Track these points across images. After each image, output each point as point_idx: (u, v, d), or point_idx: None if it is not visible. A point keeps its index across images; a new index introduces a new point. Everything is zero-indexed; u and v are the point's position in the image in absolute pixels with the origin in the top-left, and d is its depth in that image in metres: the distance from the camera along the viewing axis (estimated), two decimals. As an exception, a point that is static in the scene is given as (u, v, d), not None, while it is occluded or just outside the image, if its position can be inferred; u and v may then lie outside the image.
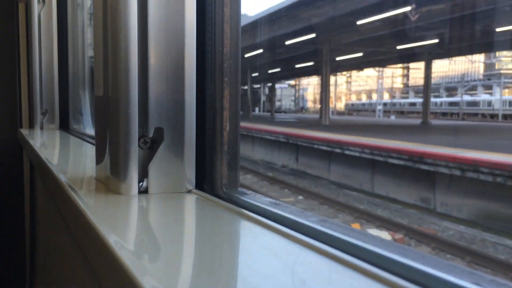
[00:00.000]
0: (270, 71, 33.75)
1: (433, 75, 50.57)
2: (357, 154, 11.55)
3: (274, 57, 26.85)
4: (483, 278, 0.40)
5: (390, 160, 10.46)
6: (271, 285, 0.40)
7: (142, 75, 0.73)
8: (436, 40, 21.28)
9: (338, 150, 12.26)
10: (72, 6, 2.27)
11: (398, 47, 23.28)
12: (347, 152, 11.92)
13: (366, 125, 25.11)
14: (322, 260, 0.45)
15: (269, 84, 41.54)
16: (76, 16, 2.26)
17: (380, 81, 45.98)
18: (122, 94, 0.73)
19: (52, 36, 2.20)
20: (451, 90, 48.29)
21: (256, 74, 32.17)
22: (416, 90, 54.44)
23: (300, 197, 10.66)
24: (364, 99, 59.96)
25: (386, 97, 54.72)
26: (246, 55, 23.47)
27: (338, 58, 26.13)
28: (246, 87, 31.40)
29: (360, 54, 25.48)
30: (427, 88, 24.49)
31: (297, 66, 31.73)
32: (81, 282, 0.85)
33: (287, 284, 0.40)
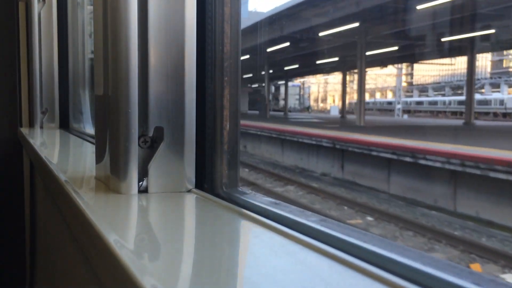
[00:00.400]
0: (286, 68, 31.40)
1: (440, 73, 49.62)
2: (438, 164, 9.17)
3: (292, 53, 24.94)
4: (483, 278, 0.40)
5: (492, 174, 8.15)
6: (271, 285, 0.40)
7: (142, 74, 0.73)
8: (492, 31, 18.07)
9: (408, 159, 9.85)
10: (72, 5, 2.27)
11: (443, 39, 20.11)
12: (422, 161, 9.51)
13: (410, 127, 21.43)
14: (322, 260, 0.45)
15: (281, 82, 39.58)
16: (76, 15, 2.26)
17: (399, 78, 44.11)
18: (122, 93, 0.73)
19: (52, 35, 2.20)
20: (456, 88, 47.73)
21: (269, 71, 29.51)
22: (421, 89, 54.05)
23: (369, 218, 8.26)
24: (367, 98, 59.55)
25: (390, 96, 54.31)
26: (268, 50, 22.13)
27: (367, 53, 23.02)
28: (262, 85, 29.52)
29: (395, 48, 22.43)
30: (471, 85, 21.69)
31: (318, 62, 28.57)
32: (81, 281, 0.85)
33: (287, 284, 0.40)
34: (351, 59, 24.04)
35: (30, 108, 2.35)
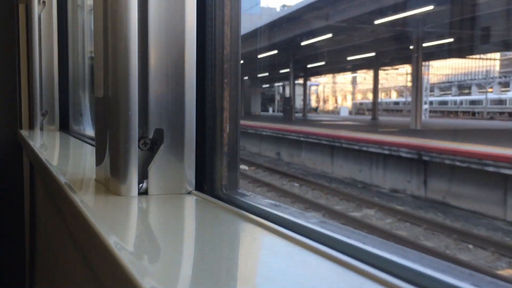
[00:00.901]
0: (308, 66, 28.58)
1: (451, 72, 48.67)
2: None
3: (320, 49, 22.46)
4: (483, 280, 0.40)
5: None
6: (271, 286, 0.40)
7: (142, 76, 0.73)
8: None
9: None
10: (73, 7, 2.27)
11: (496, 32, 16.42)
12: None
13: (477, 131, 17.10)
14: (321, 262, 0.45)
15: (300, 81, 37.91)
16: (77, 17, 2.26)
17: (427, 76, 42.93)
18: (122, 95, 0.73)
19: (52, 37, 2.21)
20: (463, 88, 47.03)
21: (286, 70, 26.71)
22: (428, 89, 53.61)
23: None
24: (370, 98, 58.86)
25: (394, 96, 53.96)
26: (294, 47, 20.77)
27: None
28: (274, 84, 26.89)
29: (450, 40, 18.71)
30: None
31: (350, 58, 25.44)
32: (81, 282, 0.85)
33: (286, 285, 0.40)
34: (395, 54, 22.02)
35: (30, 110, 2.35)
